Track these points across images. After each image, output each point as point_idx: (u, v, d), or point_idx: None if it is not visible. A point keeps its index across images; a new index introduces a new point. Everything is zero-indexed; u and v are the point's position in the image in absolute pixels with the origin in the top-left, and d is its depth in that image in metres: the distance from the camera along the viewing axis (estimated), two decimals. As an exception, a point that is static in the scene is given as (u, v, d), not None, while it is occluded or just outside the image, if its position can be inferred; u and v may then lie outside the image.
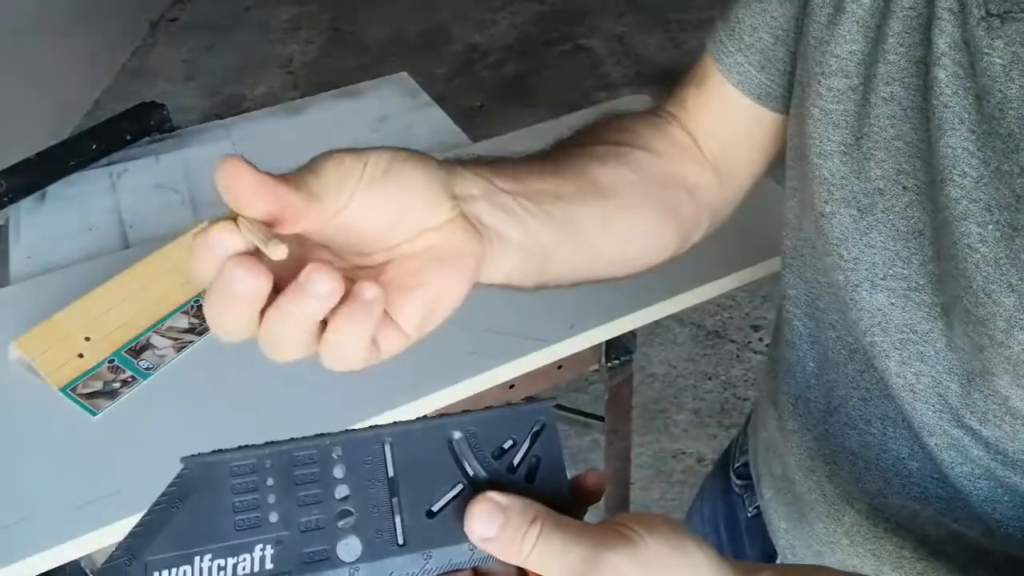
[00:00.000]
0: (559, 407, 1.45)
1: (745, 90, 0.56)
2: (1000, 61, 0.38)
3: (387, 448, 0.36)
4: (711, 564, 0.33)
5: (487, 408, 0.38)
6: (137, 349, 0.89)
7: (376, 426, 0.36)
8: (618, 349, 1.04)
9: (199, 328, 0.92)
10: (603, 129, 0.55)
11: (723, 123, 0.59)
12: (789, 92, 0.55)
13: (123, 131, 1.29)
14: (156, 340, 0.90)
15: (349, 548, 0.34)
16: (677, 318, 2.08)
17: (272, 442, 0.35)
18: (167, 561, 0.33)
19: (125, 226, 1.15)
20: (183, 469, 0.34)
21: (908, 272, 0.44)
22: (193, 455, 0.35)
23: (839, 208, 0.47)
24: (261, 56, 3.51)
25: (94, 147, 1.25)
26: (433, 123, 1.34)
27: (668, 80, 3.10)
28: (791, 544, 0.61)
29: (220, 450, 0.35)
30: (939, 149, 0.40)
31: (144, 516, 0.33)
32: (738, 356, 2.02)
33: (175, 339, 0.91)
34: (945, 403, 0.45)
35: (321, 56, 3.49)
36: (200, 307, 0.94)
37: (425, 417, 0.38)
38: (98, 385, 0.86)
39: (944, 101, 0.40)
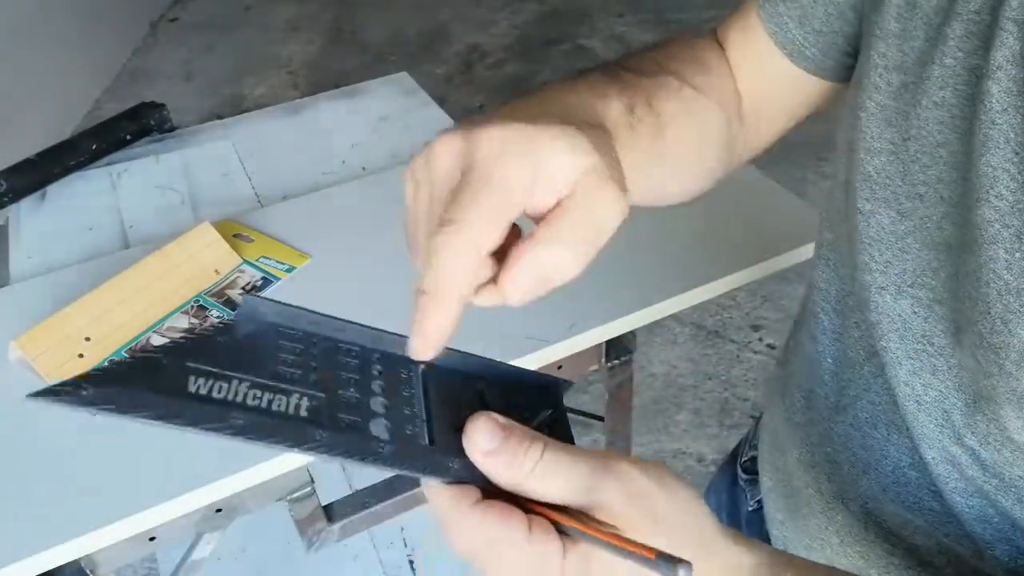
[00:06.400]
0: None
1: (778, 42, 0.55)
2: None
3: (422, 373, 0.37)
4: (702, 503, 0.35)
5: (508, 365, 0.39)
6: (137, 349, 0.89)
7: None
8: (618, 349, 1.04)
9: (199, 328, 0.92)
10: (678, 55, 0.55)
11: (756, 74, 0.58)
12: (823, 55, 0.55)
13: (123, 131, 1.29)
14: (156, 340, 0.90)
15: (380, 429, 0.34)
16: (677, 318, 2.08)
17: (324, 315, 0.35)
18: (206, 372, 0.31)
19: (125, 226, 1.15)
20: (238, 314, 0.34)
21: (935, 283, 0.43)
22: (253, 296, 0.34)
23: (879, 208, 0.46)
24: (261, 56, 3.51)
25: (94, 147, 1.25)
26: (433, 123, 1.34)
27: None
28: (785, 536, 0.62)
29: (277, 302, 0.34)
30: (979, 167, 0.38)
31: (186, 334, 0.32)
32: (738, 356, 2.01)
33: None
34: (948, 419, 0.44)
35: (321, 56, 3.49)
36: (200, 307, 0.94)
37: (456, 350, 0.37)
38: (98, 385, 0.86)
39: (992, 117, 0.38)
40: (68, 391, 0.29)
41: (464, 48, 3.44)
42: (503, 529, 0.32)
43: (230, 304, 0.94)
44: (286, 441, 0.31)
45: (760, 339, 2.04)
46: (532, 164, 0.34)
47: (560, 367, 0.97)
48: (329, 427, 0.32)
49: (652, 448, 1.84)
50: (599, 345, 1.01)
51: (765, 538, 0.65)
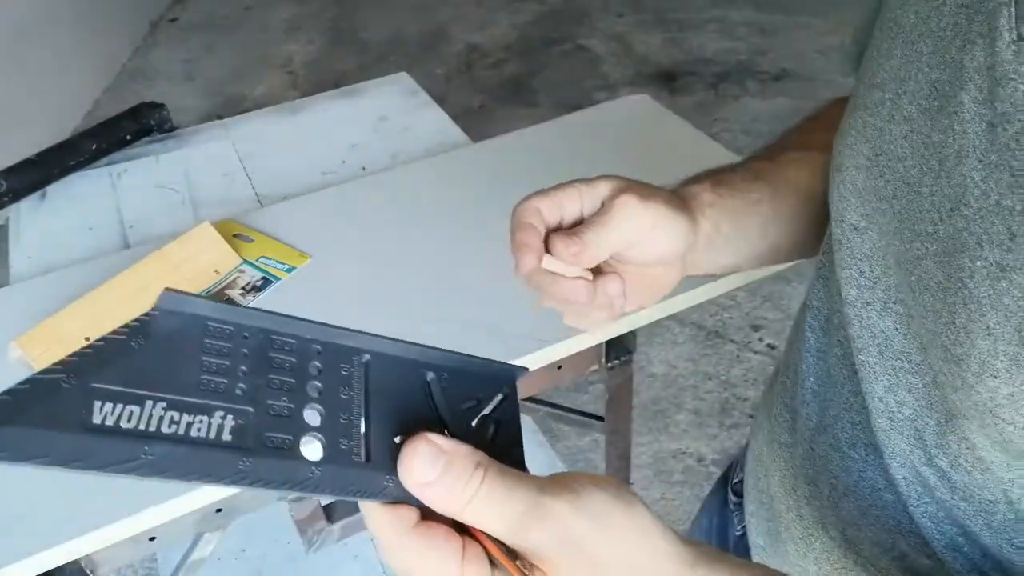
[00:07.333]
0: (558, 407, 1.45)
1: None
2: None
3: (365, 365, 0.34)
4: (656, 523, 0.32)
5: (461, 354, 0.37)
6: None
7: (358, 333, 0.34)
8: (618, 349, 1.04)
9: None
10: (821, 126, 0.60)
11: None
12: None
13: (123, 131, 1.30)
14: (156, 340, 0.90)
15: (312, 447, 0.31)
16: (677, 318, 2.08)
17: (257, 310, 0.32)
18: (115, 394, 0.27)
19: (125, 226, 1.15)
20: (154, 310, 0.30)
21: (910, 300, 0.43)
22: (173, 292, 0.30)
23: (872, 224, 0.46)
24: (261, 56, 3.51)
25: (94, 147, 1.25)
26: (433, 123, 1.34)
27: (668, 80, 3.10)
28: (765, 563, 0.60)
29: (203, 298, 0.31)
30: (954, 177, 0.38)
31: (96, 341, 0.28)
32: (738, 356, 2.01)
33: (175, 339, 0.91)
34: (920, 438, 0.44)
35: (321, 56, 3.49)
36: (200, 307, 0.94)
37: (405, 342, 0.36)
38: (98, 385, 0.86)
39: (964, 128, 0.38)
40: None
41: (464, 48, 3.45)
42: (437, 561, 0.32)
43: (231, 304, 0.94)
44: (207, 476, 0.28)
45: (760, 339, 2.04)
46: (582, 183, 0.51)
47: (560, 367, 0.97)
48: (255, 452, 0.29)
49: (652, 448, 1.84)
50: (599, 345, 1.01)
51: None
